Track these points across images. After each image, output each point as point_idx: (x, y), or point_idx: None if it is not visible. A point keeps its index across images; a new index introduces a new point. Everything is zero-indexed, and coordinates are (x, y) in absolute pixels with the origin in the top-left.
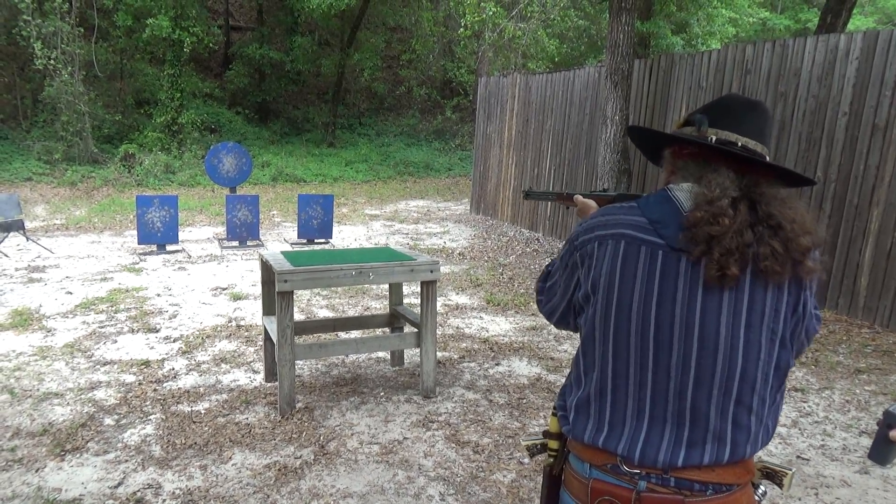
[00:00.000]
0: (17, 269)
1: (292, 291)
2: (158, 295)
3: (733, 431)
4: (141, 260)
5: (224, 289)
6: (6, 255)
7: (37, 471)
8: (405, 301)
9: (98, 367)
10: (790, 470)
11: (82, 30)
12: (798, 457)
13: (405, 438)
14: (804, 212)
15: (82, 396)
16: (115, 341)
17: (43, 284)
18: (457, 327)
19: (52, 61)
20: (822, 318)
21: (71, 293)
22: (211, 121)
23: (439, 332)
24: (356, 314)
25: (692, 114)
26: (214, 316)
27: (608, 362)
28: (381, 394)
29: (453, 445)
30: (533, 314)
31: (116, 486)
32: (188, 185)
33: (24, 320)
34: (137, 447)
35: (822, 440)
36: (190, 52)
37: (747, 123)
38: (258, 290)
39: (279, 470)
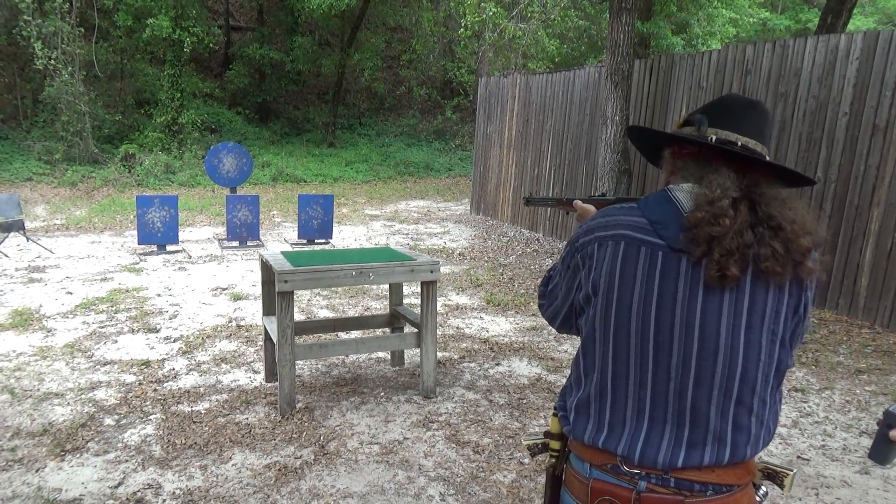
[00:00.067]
0: (17, 270)
1: (292, 291)
2: (159, 295)
3: (734, 433)
4: (141, 260)
5: (224, 289)
6: (6, 256)
7: (37, 471)
8: (405, 301)
9: (98, 367)
10: (791, 471)
11: (82, 30)
12: (798, 457)
13: (405, 438)
14: (804, 212)
15: (82, 396)
16: (116, 341)
17: (43, 284)
18: (457, 327)
19: (52, 61)
20: (823, 318)
21: (71, 293)
22: (211, 121)
23: (439, 333)
24: (356, 314)
25: (692, 114)
26: (215, 316)
27: (608, 363)
28: (382, 394)
29: (453, 445)
30: (533, 314)
31: (116, 486)
32: (188, 185)
33: (24, 320)
34: (137, 447)
35: (823, 440)
36: (190, 53)
37: (747, 123)
38: (258, 290)
39: (279, 470)
